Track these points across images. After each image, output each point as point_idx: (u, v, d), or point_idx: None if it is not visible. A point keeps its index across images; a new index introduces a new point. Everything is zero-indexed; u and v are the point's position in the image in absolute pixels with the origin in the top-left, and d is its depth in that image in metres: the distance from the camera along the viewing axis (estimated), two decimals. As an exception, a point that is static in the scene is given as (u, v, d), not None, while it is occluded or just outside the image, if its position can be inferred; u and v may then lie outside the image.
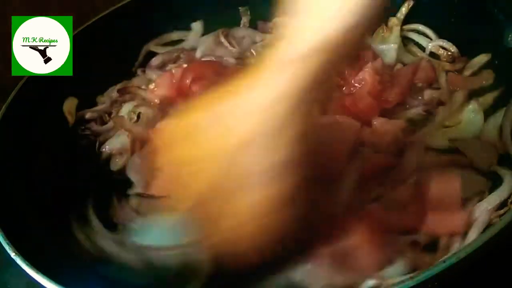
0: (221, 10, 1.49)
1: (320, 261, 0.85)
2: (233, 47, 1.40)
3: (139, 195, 1.07)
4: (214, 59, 1.36)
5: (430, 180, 0.92)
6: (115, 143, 1.22)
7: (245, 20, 1.49)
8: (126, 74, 1.40)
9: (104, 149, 1.23)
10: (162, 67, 1.41)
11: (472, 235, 0.87)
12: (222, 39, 1.41)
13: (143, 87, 1.33)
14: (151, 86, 1.28)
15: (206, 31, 1.47)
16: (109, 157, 1.21)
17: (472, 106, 1.09)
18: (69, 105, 1.28)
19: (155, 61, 1.42)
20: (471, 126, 1.08)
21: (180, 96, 1.24)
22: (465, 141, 1.04)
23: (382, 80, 1.15)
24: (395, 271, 0.83)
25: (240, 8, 1.50)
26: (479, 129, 1.07)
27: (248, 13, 1.49)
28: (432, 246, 0.89)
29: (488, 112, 1.09)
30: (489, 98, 1.12)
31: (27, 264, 0.86)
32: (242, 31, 1.45)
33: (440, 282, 0.76)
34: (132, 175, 1.13)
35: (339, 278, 0.84)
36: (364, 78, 1.15)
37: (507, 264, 0.93)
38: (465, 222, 0.88)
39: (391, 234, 0.87)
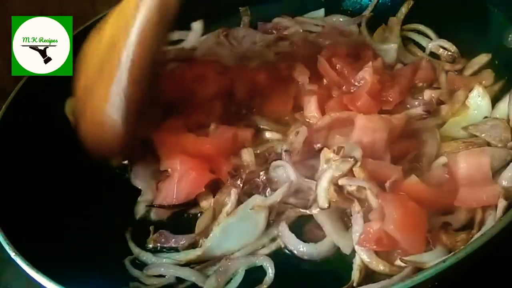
0: (221, 10, 1.49)
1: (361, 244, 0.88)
2: (233, 47, 1.40)
3: (150, 206, 1.08)
4: (214, 59, 1.36)
5: (458, 158, 0.95)
6: None
7: (245, 20, 1.49)
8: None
9: None
10: None
11: (500, 205, 0.87)
12: (222, 39, 1.41)
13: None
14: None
15: (206, 31, 1.47)
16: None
17: (477, 90, 1.09)
18: (71, 105, 1.28)
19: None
20: (479, 110, 1.09)
21: (182, 95, 1.24)
22: (477, 125, 1.05)
23: (382, 79, 1.16)
24: (432, 256, 0.83)
25: (240, 8, 1.50)
26: (488, 112, 1.08)
27: (249, 13, 1.49)
28: (464, 227, 0.90)
29: (494, 100, 1.09)
30: (492, 89, 1.13)
31: (27, 264, 0.86)
32: (243, 31, 1.45)
33: (440, 282, 0.76)
34: (138, 183, 1.14)
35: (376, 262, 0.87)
36: (364, 78, 1.15)
37: (507, 264, 0.93)
38: (497, 194, 0.88)
39: (425, 214, 0.88)
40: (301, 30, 1.42)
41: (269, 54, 1.34)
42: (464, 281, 0.87)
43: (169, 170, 1.10)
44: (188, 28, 1.48)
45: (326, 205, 0.93)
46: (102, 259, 0.98)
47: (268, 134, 1.17)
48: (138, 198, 1.11)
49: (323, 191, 0.94)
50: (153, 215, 1.08)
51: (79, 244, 1.00)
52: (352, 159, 0.93)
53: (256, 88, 1.23)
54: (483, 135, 1.03)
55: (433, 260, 0.81)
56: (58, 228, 1.02)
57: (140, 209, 1.09)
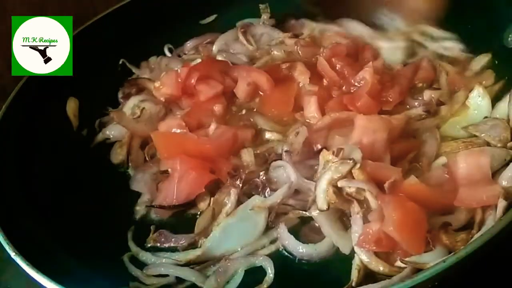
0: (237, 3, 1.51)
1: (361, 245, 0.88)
2: (250, 44, 1.41)
3: (149, 206, 1.08)
4: (228, 56, 1.36)
5: (458, 158, 0.95)
6: (115, 129, 1.25)
7: (265, 17, 1.49)
8: (127, 74, 1.41)
9: (103, 133, 1.25)
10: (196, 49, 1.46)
11: (500, 205, 0.87)
12: (240, 36, 1.42)
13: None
14: (157, 84, 1.28)
15: (221, 24, 1.49)
16: (109, 147, 1.23)
17: (477, 90, 1.09)
18: (72, 107, 1.28)
19: (189, 44, 1.47)
20: (479, 110, 1.08)
21: (185, 95, 1.25)
22: (477, 125, 1.05)
23: (382, 80, 1.15)
24: (433, 257, 0.83)
25: (260, 5, 1.50)
26: (488, 112, 1.07)
27: (268, 10, 1.49)
28: (464, 227, 0.90)
29: (494, 100, 1.09)
30: (492, 89, 1.12)
31: (27, 264, 0.86)
32: (261, 28, 1.45)
33: (440, 282, 0.76)
34: (138, 187, 1.13)
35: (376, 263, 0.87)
36: (364, 78, 1.15)
37: (507, 264, 0.93)
38: (497, 194, 0.88)
39: (424, 215, 0.88)
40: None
41: (279, 54, 1.35)
42: (464, 281, 0.87)
43: (169, 170, 1.10)
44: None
45: (325, 207, 0.93)
46: (102, 259, 0.98)
47: (268, 135, 1.17)
48: (139, 199, 1.11)
49: (322, 192, 0.93)
50: (153, 215, 1.08)
51: (79, 244, 1.00)
52: (351, 161, 0.92)
53: (256, 88, 1.23)
54: (482, 135, 1.02)
55: (433, 260, 0.80)
56: (58, 228, 1.02)
57: (140, 209, 1.09)
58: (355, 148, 0.96)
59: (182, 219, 1.06)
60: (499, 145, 1.00)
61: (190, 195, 1.05)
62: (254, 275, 0.94)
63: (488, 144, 1.01)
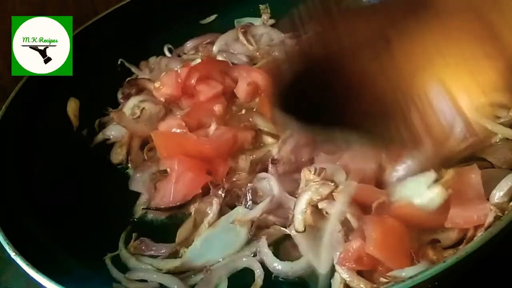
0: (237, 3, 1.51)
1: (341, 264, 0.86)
2: (251, 44, 1.41)
3: (146, 209, 1.08)
4: (228, 56, 1.36)
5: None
6: (115, 129, 1.25)
7: (265, 17, 1.50)
8: (126, 74, 1.41)
9: (103, 134, 1.25)
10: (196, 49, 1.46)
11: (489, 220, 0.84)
12: (240, 36, 1.42)
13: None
14: (157, 84, 1.28)
15: (220, 24, 1.50)
16: (109, 147, 1.23)
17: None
18: (73, 107, 1.28)
19: (189, 44, 1.47)
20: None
21: (185, 95, 1.24)
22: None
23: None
24: (414, 271, 0.81)
25: (260, 5, 1.51)
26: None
27: (268, 10, 1.50)
28: (454, 245, 0.88)
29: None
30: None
31: (27, 264, 0.86)
32: (261, 29, 1.46)
33: (440, 282, 0.76)
34: (137, 187, 1.13)
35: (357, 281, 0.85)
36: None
37: (507, 264, 0.93)
38: (487, 213, 0.85)
39: (407, 232, 0.86)
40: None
41: (280, 54, 1.34)
42: (464, 281, 0.87)
43: (168, 170, 1.10)
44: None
45: (301, 229, 0.90)
46: (102, 259, 0.98)
47: (267, 137, 1.16)
48: (138, 201, 1.11)
49: (299, 214, 0.91)
50: (152, 215, 1.07)
51: (79, 244, 1.00)
52: (333, 184, 0.90)
53: (256, 88, 1.23)
54: (488, 157, 0.97)
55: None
56: (58, 228, 1.02)
57: (139, 210, 1.09)
58: (338, 169, 0.94)
59: (182, 219, 1.06)
60: (504, 166, 0.95)
61: (186, 195, 1.05)
62: (242, 280, 0.93)
63: (492, 166, 0.96)
